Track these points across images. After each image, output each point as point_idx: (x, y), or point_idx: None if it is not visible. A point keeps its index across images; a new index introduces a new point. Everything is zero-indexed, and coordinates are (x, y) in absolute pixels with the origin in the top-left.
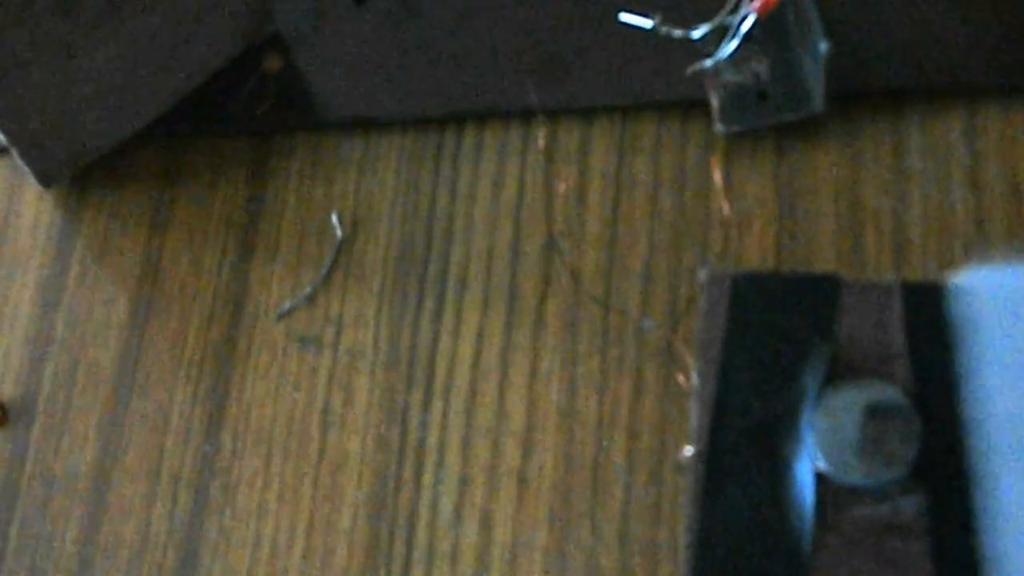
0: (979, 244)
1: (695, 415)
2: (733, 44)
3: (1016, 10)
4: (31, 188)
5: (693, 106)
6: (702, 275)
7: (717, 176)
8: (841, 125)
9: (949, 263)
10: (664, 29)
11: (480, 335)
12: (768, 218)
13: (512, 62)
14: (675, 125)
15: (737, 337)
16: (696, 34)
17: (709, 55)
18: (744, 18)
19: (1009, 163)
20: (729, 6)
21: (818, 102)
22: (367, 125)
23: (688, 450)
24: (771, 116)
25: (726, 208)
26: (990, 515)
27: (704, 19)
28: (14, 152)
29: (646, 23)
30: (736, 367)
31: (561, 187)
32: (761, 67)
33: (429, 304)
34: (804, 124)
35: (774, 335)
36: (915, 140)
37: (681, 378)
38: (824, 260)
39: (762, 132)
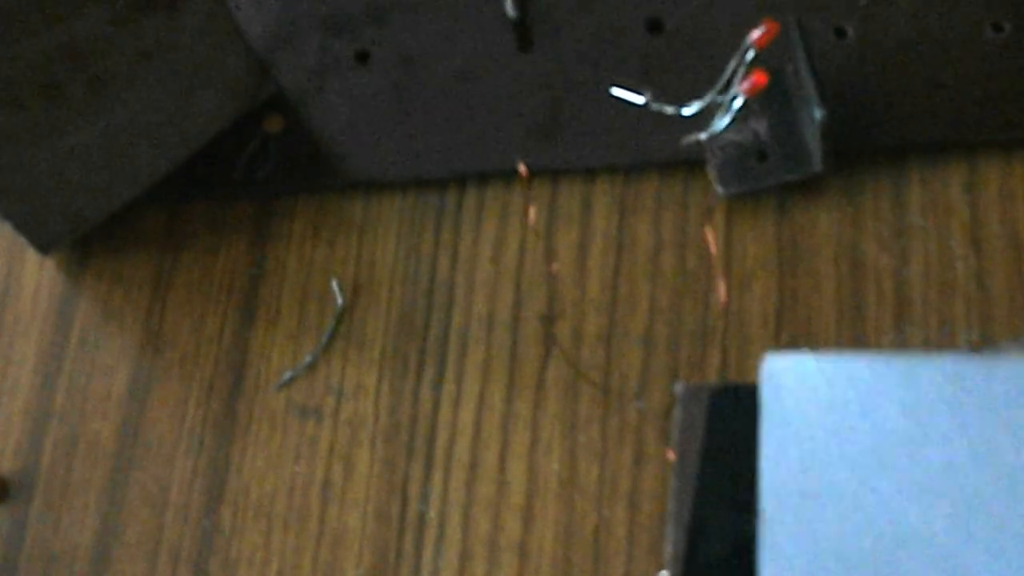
0: (980, 301)
1: (670, 539)
2: (726, 120)
3: (1013, 65)
4: (32, 254)
5: (694, 166)
6: (678, 388)
7: (713, 247)
8: (842, 183)
9: (950, 321)
10: (655, 106)
11: (480, 404)
12: (769, 278)
13: (512, 122)
14: (676, 185)
15: (716, 453)
16: (687, 112)
17: (704, 125)
18: (734, 97)
19: (1009, 218)
20: (719, 86)
21: (818, 162)
22: (368, 186)
23: (664, 575)
24: (771, 177)
25: (722, 292)
26: (768, 551)
27: (696, 89)
28: (9, 225)
29: (638, 99)
30: (715, 486)
31: (562, 249)
32: (760, 126)
33: (429, 372)
34: (805, 183)
35: (756, 450)
36: (916, 196)
37: (671, 455)
38: (825, 320)
39: (763, 192)
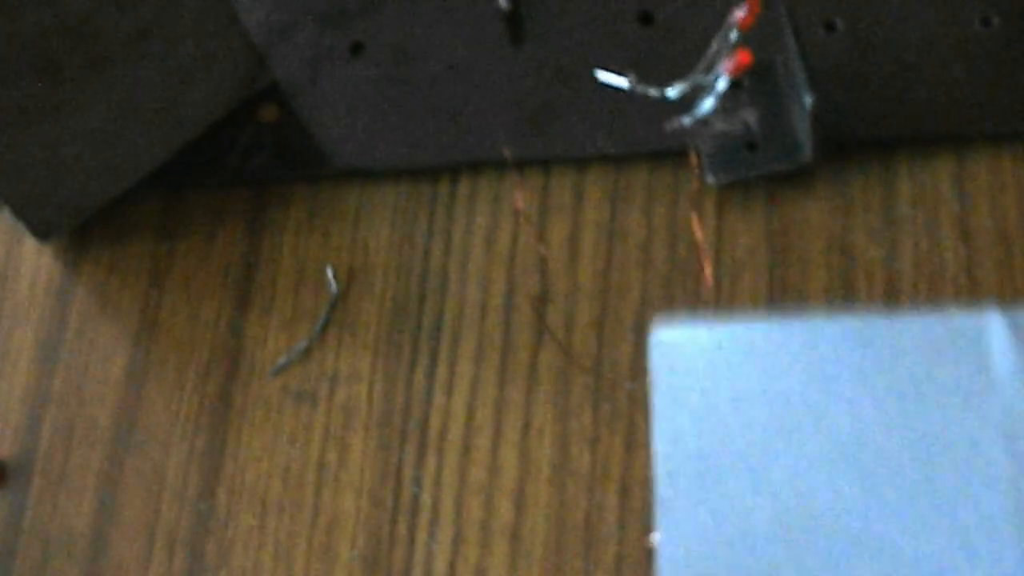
0: (969, 292)
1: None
2: (709, 102)
3: (1002, 58)
4: (30, 241)
5: (685, 156)
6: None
7: (699, 235)
8: (832, 174)
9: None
10: (640, 88)
11: (473, 389)
12: (759, 268)
13: (504, 112)
14: (667, 175)
15: None
16: (671, 93)
17: (689, 111)
18: (718, 78)
19: (998, 210)
20: (702, 66)
21: (807, 153)
22: (363, 175)
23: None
24: (760, 167)
25: (708, 273)
26: (666, 534)
27: (680, 76)
28: (7, 210)
29: (622, 83)
30: None
31: (554, 238)
32: (751, 116)
33: (423, 358)
34: (795, 174)
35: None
36: (905, 188)
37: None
38: (814, 310)
39: (753, 182)
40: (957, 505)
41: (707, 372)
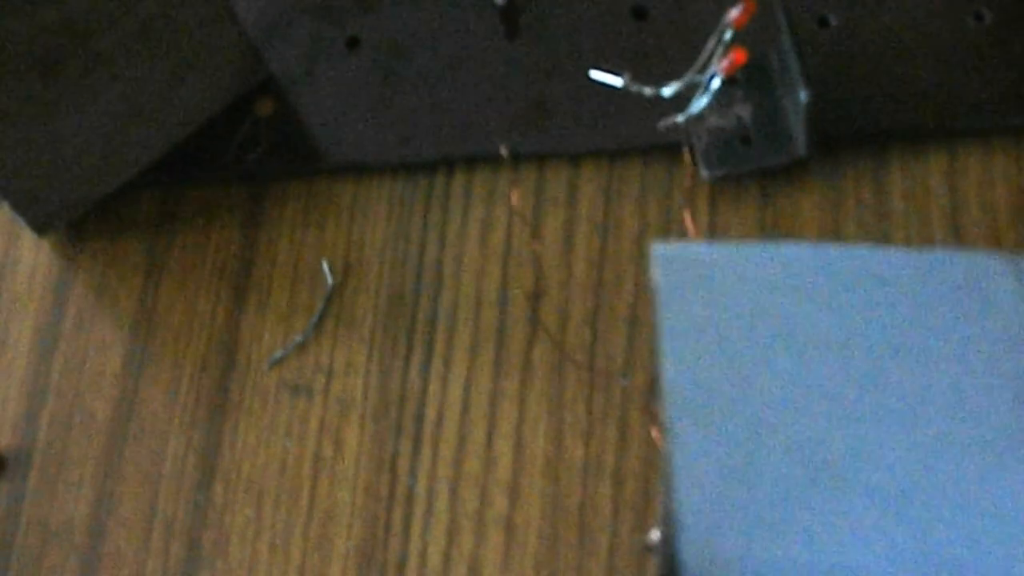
0: None
1: (662, 497)
2: (703, 101)
3: (993, 54)
4: (28, 235)
5: (678, 150)
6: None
7: (692, 231)
8: (824, 168)
9: None
10: (634, 87)
11: (468, 382)
12: None
13: (499, 107)
14: (661, 170)
15: None
16: (666, 92)
17: (684, 109)
18: (712, 76)
19: (989, 205)
20: (697, 65)
21: (801, 147)
22: (358, 170)
23: (655, 534)
24: (755, 161)
25: None
26: (675, 467)
27: (676, 78)
28: (6, 205)
29: (616, 82)
30: None
31: (548, 232)
32: (744, 111)
33: (418, 351)
34: (788, 168)
35: None
36: (897, 182)
37: (655, 432)
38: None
39: (746, 175)
40: (977, 455)
41: (717, 294)
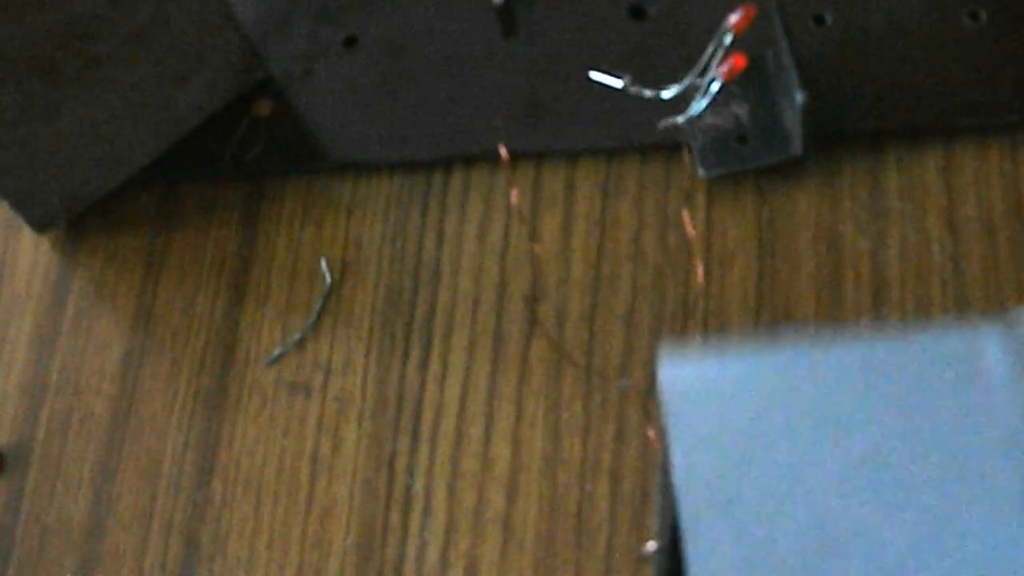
0: (955, 283)
1: (658, 510)
2: (703, 104)
3: (989, 51)
4: (28, 232)
5: (676, 149)
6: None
7: (691, 230)
8: (820, 167)
9: (926, 302)
10: (634, 90)
11: (466, 380)
12: (749, 259)
13: (496, 106)
14: (658, 168)
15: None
16: (666, 95)
17: (683, 109)
18: (712, 80)
19: (985, 202)
20: (697, 69)
21: (797, 146)
22: (356, 168)
23: (652, 545)
24: (751, 160)
25: (700, 274)
26: (693, 562)
27: (679, 75)
28: (5, 203)
29: (616, 83)
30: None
31: (546, 230)
32: (741, 109)
33: (416, 350)
34: (784, 166)
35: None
36: (893, 180)
37: (651, 432)
38: (803, 301)
39: (743, 174)
40: (972, 516)
41: (719, 399)
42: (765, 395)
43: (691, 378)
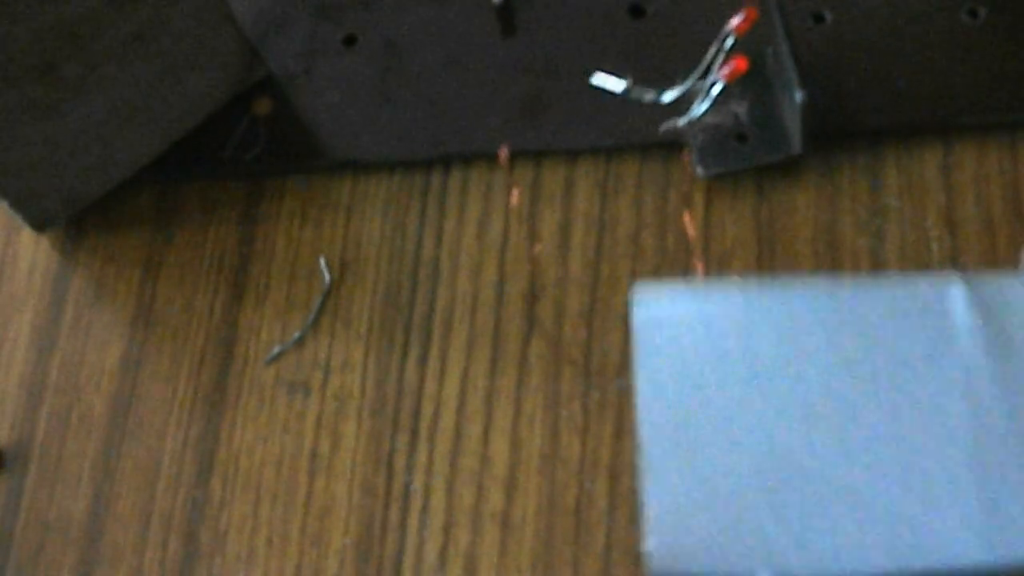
0: None
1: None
2: (704, 107)
3: (988, 49)
4: (27, 232)
5: (675, 148)
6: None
7: (691, 231)
8: (819, 165)
9: None
10: (635, 93)
11: (465, 378)
12: (748, 257)
13: (496, 105)
14: (657, 167)
15: None
16: (667, 98)
17: (683, 110)
18: (713, 83)
19: (984, 200)
20: (698, 72)
21: (796, 145)
22: (355, 167)
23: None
24: (750, 158)
25: (700, 270)
26: (649, 487)
27: (678, 73)
28: (5, 203)
29: (617, 87)
30: None
31: (545, 229)
32: (740, 108)
33: (415, 348)
34: (783, 165)
35: None
36: (892, 179)
37: None
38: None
39: (742, 173)
40: (922, 454)
41: (686, 333)
42: (730, 330)
43: (661, 312)
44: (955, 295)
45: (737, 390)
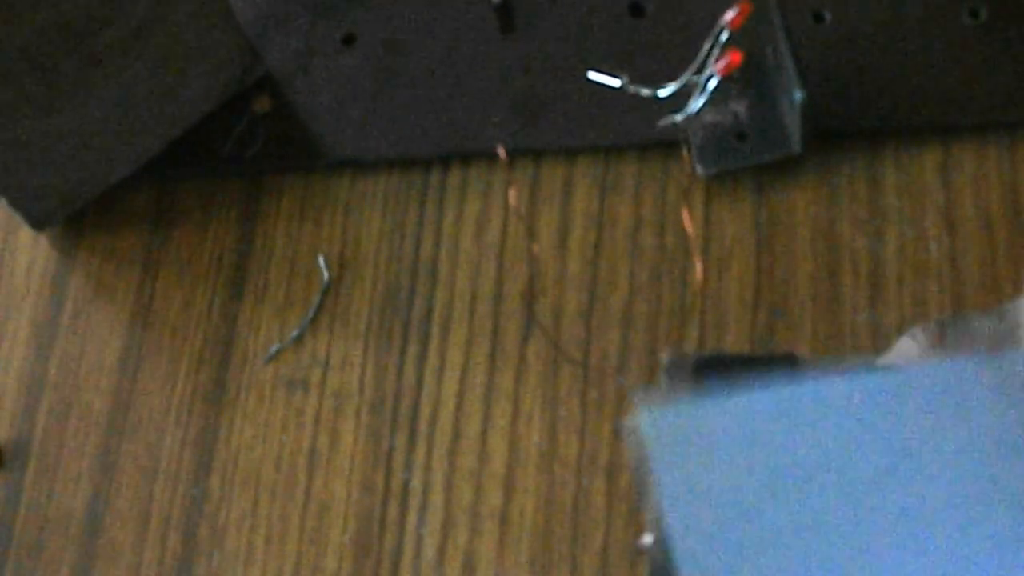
0: (952, 281)
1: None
2: (700, 101)
3: (989, 50)
4: (26, 230)
5: (674, 147)
6: (664, 357)
7: (690, 229)
8: (818, 164)
9: (923, 300)
10: (632, 88)
11: (463, 377)
12: (747, 257)
13: (494, 104)
14: (656, 166)
15: None
16: (663, 93)
17: (681, 108)
18: (709, 78)
19: (983, 200)
20: (694, 67)
21: (796, 144)
22: (354, 166)
23: (647, 538)
24: (749, 157)
25: (699, 272)
26: None
27: (678, 72)
28: (3, 201)
29: (614, 82)
30: None
31: (544, 228)
32: (740, 106)
33: (413, 346)
34: (782, 163)
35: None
36: (891, 178)
37: None
38: (801, 299)
39: (742, 171)
40: (974, 550)
41: (700, 443)
42: (752, 438)
43: (673, 427)
44: (973, 379)
45: (766, 497)
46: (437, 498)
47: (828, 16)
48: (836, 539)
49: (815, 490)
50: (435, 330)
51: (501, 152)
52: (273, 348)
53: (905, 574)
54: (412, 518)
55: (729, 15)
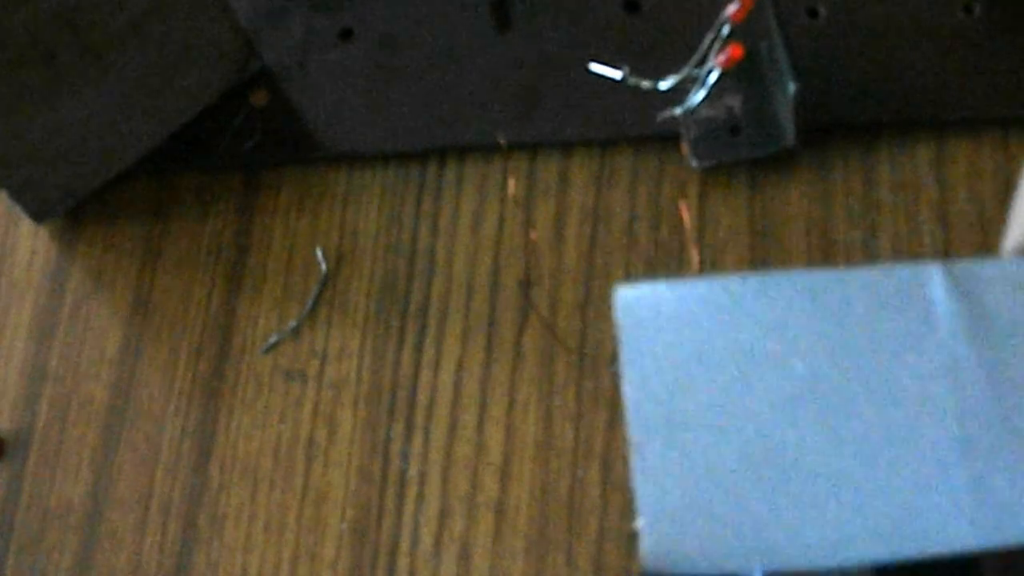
0: None
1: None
2: (701, 94)
3: (982, 45)
4: (26, 222)
5: (669, 140)
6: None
7: (687, 219)
8: (813, 159)
9: None
10: (632, 80)
11: (460, 368)
12: (741, 250)
13: (491, 97)
14: (652, 159)
15: None
16: (663, 85)
17: (679, 101)
18: (710, 71)
19: (977, 195)
20: (695, 59)
21: (790, 138)
22: (351, 159)
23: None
24: (744, 151)
25: (695, 258)
26: (640, 478)
27: (672, 68)
28: (4, 193)
29: (615, 74)
30: None
31: (539, 221)
32: (734, 101)
33: (410, 337)
34: (777, 158)
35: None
36: (885, 173)
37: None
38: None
39: (736, 166)
40: (910, 441)
41: (671, 331)
42: (715, 325)
43: (645, 306)
44: (935, 281)
45: (724, 384)
46: (434, 487)
47: (822, 11)
48: (769, 412)
49: (758, 371)
50: (432, 321)
51: (496, 140)
52: (271, 339)
53: (828, 446)
54: (409, 507)
55: (731, 8)
